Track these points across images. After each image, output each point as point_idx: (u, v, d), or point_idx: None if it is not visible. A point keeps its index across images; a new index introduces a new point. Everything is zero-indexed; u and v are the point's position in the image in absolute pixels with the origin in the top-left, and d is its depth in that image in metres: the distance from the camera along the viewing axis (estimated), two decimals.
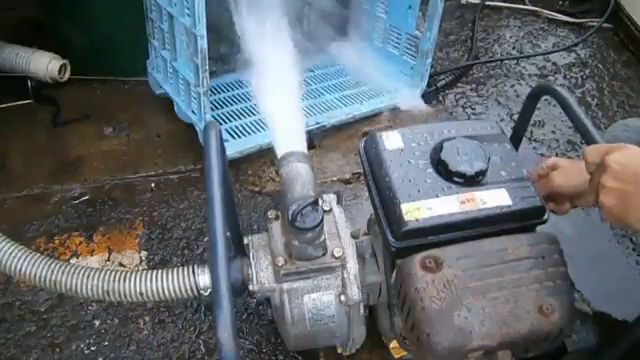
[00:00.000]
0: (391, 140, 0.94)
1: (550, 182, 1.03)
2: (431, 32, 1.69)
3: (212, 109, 1.53)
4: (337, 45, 1.94)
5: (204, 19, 1.30)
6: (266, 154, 1.58)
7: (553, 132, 1.78)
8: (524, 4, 2.41)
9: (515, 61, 2.09)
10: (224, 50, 1.71)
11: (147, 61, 1.69)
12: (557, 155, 1.70)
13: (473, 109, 1.88)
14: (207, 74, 1.39)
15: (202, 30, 1.31)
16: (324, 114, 1.71)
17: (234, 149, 1.54)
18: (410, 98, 1.79)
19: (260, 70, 1.07)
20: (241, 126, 1.64)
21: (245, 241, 1.02)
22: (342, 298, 0.96)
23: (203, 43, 1.34)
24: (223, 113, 1.70)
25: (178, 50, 1.52)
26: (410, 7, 1.76)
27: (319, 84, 1.87)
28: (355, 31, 1.99)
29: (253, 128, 1.63)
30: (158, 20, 1.54)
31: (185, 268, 0.91)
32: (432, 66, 1.81)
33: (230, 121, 1.67)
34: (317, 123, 1.66)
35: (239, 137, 1.60)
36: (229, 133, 1.61)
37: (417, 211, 0.85)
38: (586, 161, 0.79)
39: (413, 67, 1.82)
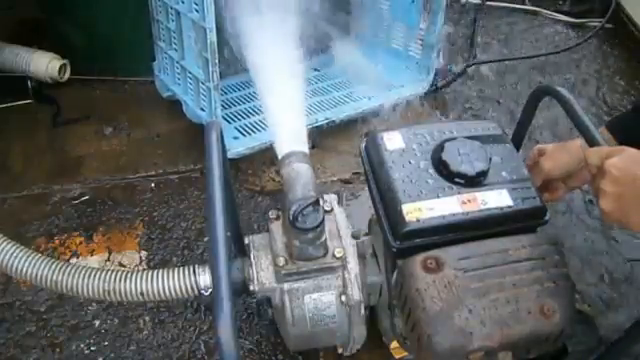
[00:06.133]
0: (392, 140, 0.94)
1: (540, 169, 1.00)
2: (436, 25, 1.69)
3: (222, 108, 1.53)
4: (341, 43, 1.94)
5: (213, 11, 1.30)
6: (266, 153, 1.58)
7: (553, 133, 1.78)
8: (524, 4, 2.41)
9: (515, 61, 2.09)
10: (230, 52, 1.72)
11: (153, 64, 1.69)
12: None
13: (473, 109, 1.88)
14: (217, 68, 1.39)
15: (211, 23, 1.32)
16: (333, 110, 1.72)
17: (245, 145, 1.55)
18: (416, 92, 1.80)
19: (261, 70, 1.07)
20: (251, 124, 1.65)
21: (246, 241, 1.02)
22: (343, 298, 0.96)
23: (212, 36, 1.34)
24: (232, 112, 1.70)
25: (186, 48, 1.52)
26: (413, 1, 1.76)
27: (325, 82, 1.88)
28: (359, 28, 1.99)
29: (263, 125, 1.63)
30: (164, 20, 1.54)
31: (186, 268, 0.91)
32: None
33: (240, 119, 1.67)
34: (326, 119, 1.67)
35: (250, 134, 1.61)
36: (239, 131, 1.62)
37: (418, 211, 0.85)
38: (587, 163, 0.79)
39: (418, 62, 1.82)
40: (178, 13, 1.46)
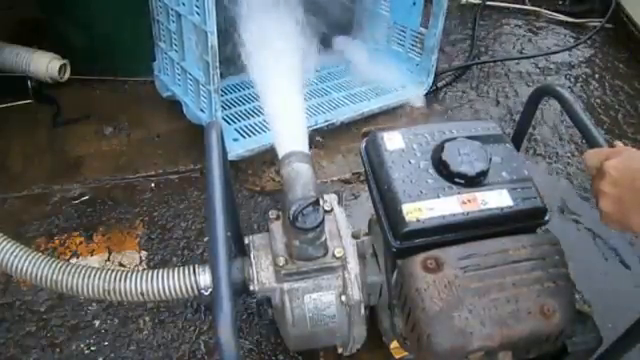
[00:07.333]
0: (392, 140, 0.94)
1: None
2: (436, 28, 1.70)
3: (222, 109, 1.53)
4: (342, 44, 1.94)
5: (214, 15, 1.30)
6: (266, 154, 1.58)
7: (553, 132, 1.78)
8: (524, 4, 2.42)
9: (515, 61, 2.09)
10: (230, 52, 1.72)
11: (153, 64, 1.69)
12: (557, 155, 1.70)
13: (473, 109, 1.88)
14: (217, 71, 1.39)
15: (212, 26, 1.32)
16: (333, 112, 1.72)
17: (244, 147, 1.55)
18: (416, 94, 1.81)
19: (261, 71, 1.07)
20: (251, 125, 1.65)
21: (246, 241, 1.02)
22: (343, 298, 0.96)
23: (213, 39, 1.34)
24: (232, 113, 1.70)
25: (186, 50, 1.52)
26: (415, 4, 1.77)
27: (326, 83, 1.88)
28: (359, 30, 1.99)
29: (264, 127, 1.63)
30: (165, 21, 1.54)
31: (186, 268, 0.91)
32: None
33: (240, 121, 1.67)
34: (326, 121, 1.67)
35: (250, 136, 1.61)
36: (239, 132, 1.62)
37: (418, 211, 0.85)
38: (586, 165, 0.79)
39: (419, 64, 1.84)
40: (179, 15, 1.46)
